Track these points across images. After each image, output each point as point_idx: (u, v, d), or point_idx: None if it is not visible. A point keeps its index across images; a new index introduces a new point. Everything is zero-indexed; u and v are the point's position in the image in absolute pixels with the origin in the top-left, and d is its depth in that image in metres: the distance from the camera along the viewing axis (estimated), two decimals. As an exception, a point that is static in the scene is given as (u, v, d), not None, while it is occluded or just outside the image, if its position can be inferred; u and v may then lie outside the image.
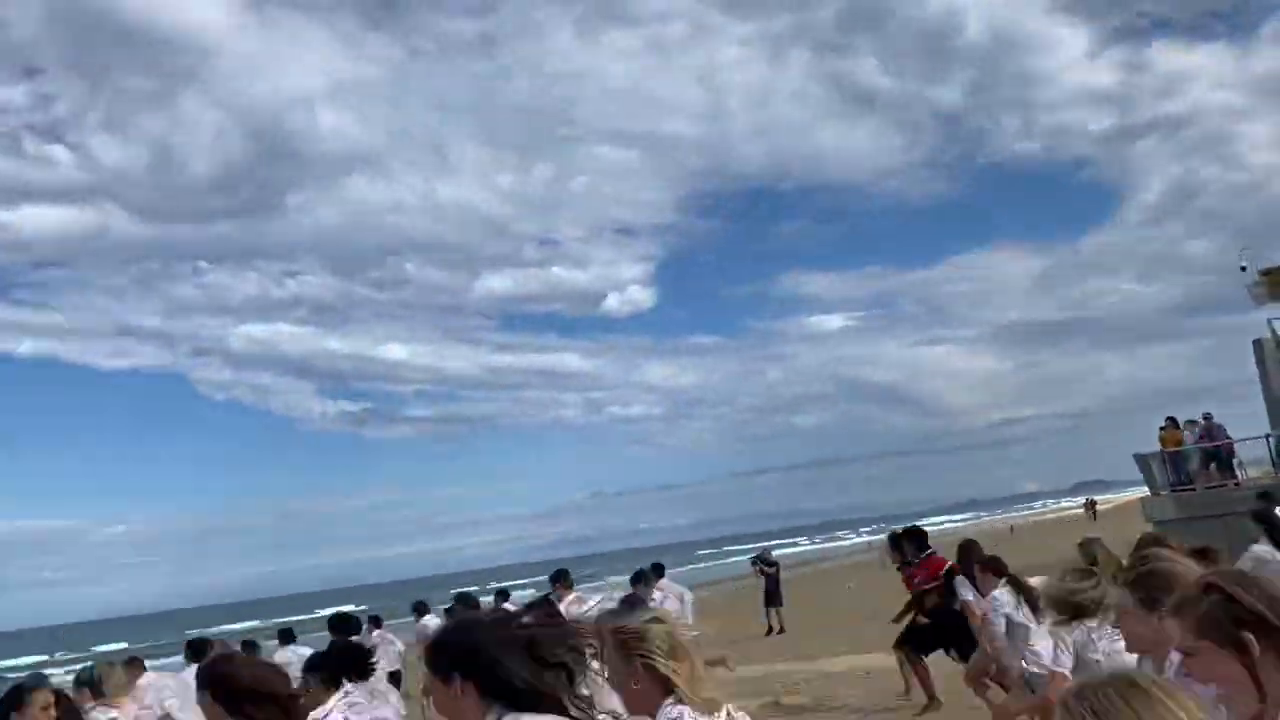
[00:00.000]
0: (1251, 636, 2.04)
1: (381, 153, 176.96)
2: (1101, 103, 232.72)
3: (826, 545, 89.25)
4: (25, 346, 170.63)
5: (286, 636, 12.03)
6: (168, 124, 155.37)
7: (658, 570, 12.70)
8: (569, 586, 10.41)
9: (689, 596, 12.68)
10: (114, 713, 6.92)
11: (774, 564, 21.40)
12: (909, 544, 9.94)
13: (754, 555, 22.61)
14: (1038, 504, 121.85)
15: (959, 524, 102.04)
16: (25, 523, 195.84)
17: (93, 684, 6.90)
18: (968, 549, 8.19)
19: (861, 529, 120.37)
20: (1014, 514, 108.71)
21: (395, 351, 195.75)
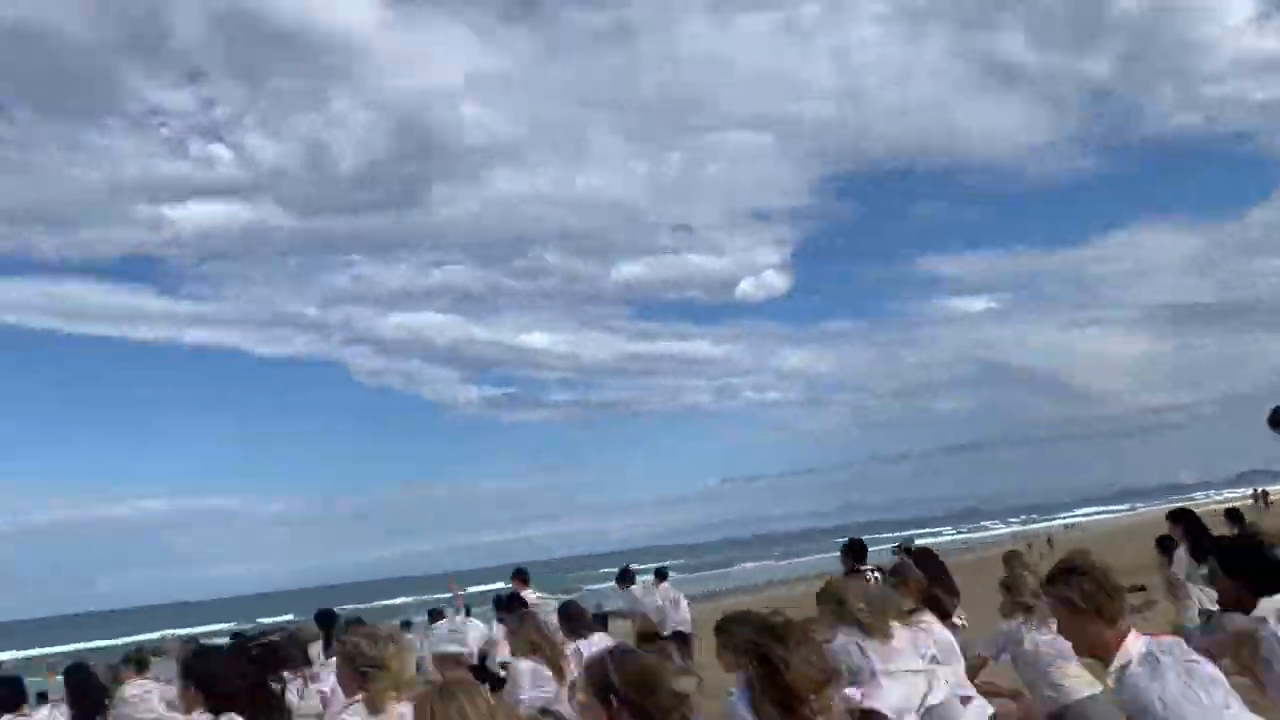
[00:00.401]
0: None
1: (521, 144, 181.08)
2: (1267, 71, 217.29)
3: (971, 535, 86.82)
4: (191, 336, 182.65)
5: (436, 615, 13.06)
6: (320, 122, 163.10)
7: (660, 575, 13.32)
8: (525, 583, 10.57)
9: (684, 601, 13.09)
10: None
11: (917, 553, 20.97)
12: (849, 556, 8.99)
13: (896, 544, 22.28)
14: (1198, 494, 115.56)
15: (1113, 515, 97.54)
16: (193, 501, 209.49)
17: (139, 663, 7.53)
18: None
19: (1009, 519, 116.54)
20: (1170, 505, 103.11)
21: (535, 339, 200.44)
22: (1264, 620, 3.63)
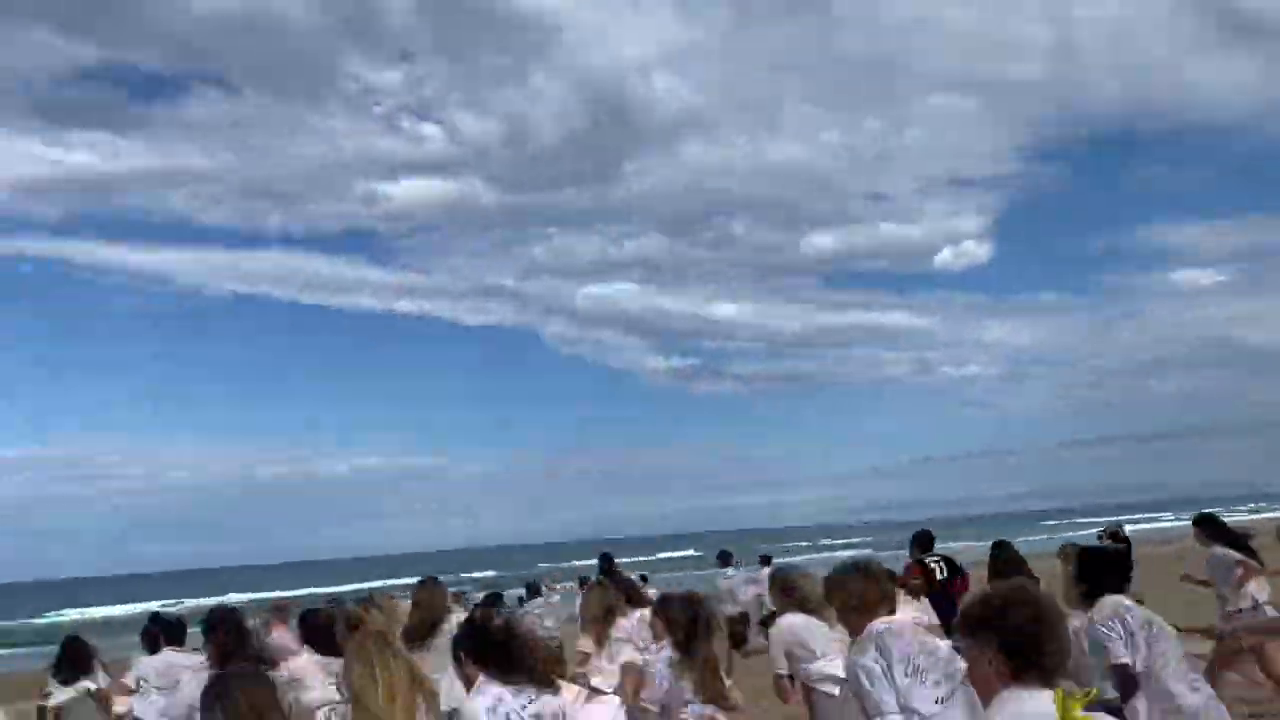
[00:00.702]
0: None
1: (712, 114, 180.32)
2: None
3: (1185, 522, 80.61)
4: (403, 305, 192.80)
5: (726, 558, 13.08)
6: (519, 98, 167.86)
7: (764, 560, 13.73)
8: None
9: (746, 588, 13.36)
10: None
11: (1125, 539, 19.80)
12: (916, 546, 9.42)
13: (1102, 529, 21.11)
14: None
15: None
16: (401, 460, 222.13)
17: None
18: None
19: (1234, 506, 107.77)
20: None
21: (724, 310, 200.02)
22: None
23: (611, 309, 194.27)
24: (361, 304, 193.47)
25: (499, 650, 3.63)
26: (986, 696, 2.57)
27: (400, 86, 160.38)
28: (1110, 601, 4.39)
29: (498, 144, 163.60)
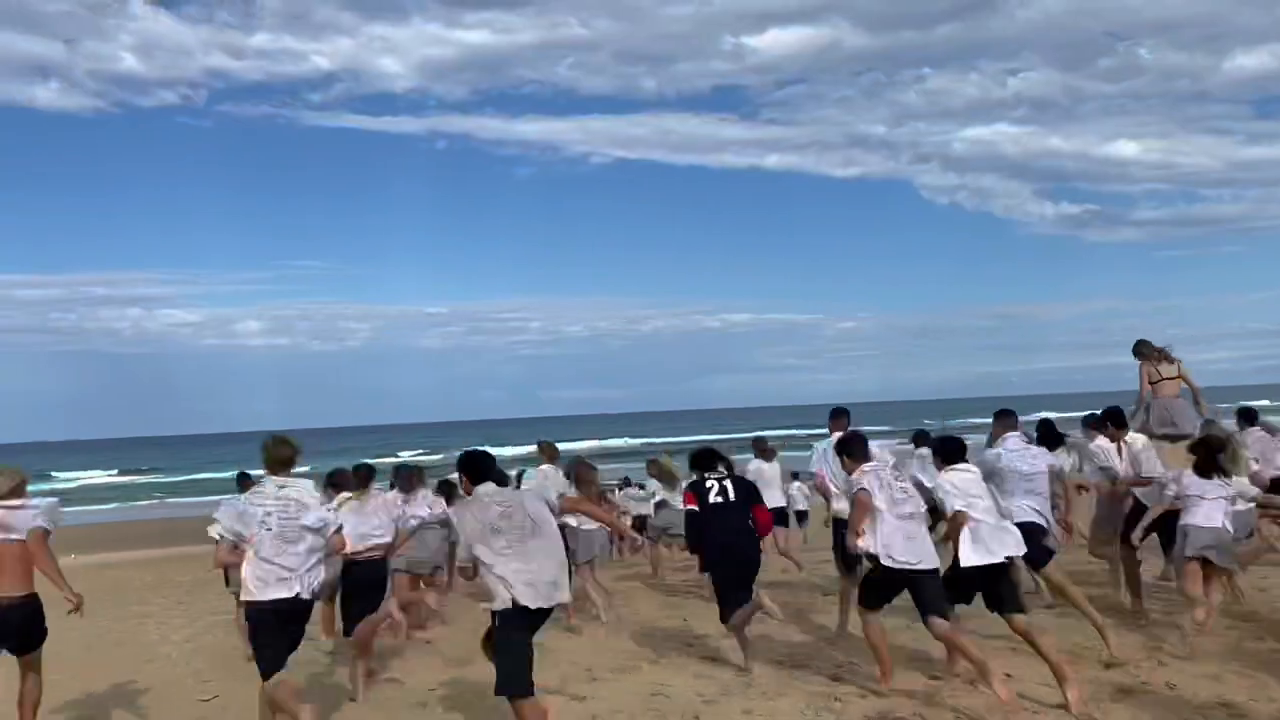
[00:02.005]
0: None
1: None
2: None
3: None
4: (771, 160, 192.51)
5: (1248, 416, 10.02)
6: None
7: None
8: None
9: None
10: None
11: None
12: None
13: None
14: None
15: None
16: (775, 316, 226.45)
17: None
18: None
19: None
20: None
21: (1123, 148, 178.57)
22: None
23: (992, 153, 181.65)
24: (730, 161, 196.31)
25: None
26: None
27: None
28: None
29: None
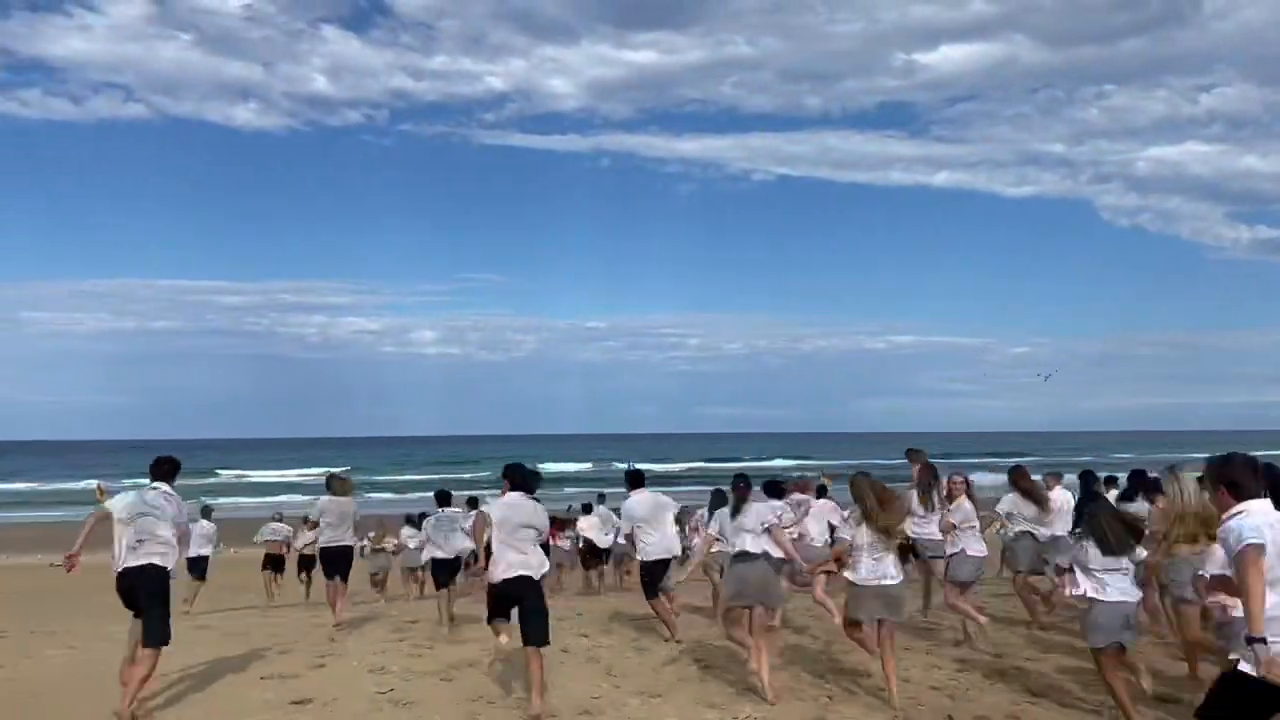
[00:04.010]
0: None
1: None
2: None
3: None
4: (940, 178, 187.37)
5: None
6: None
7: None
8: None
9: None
10: None
11: None
12: None
13: None
14: None
15: None
16: (940, 339, 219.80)
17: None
18: None
19: None
20: None
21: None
22: None
23: (1180, 173, 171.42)
24: (896, 179, 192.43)
25: None
26: None
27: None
28: None
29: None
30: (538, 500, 7.03)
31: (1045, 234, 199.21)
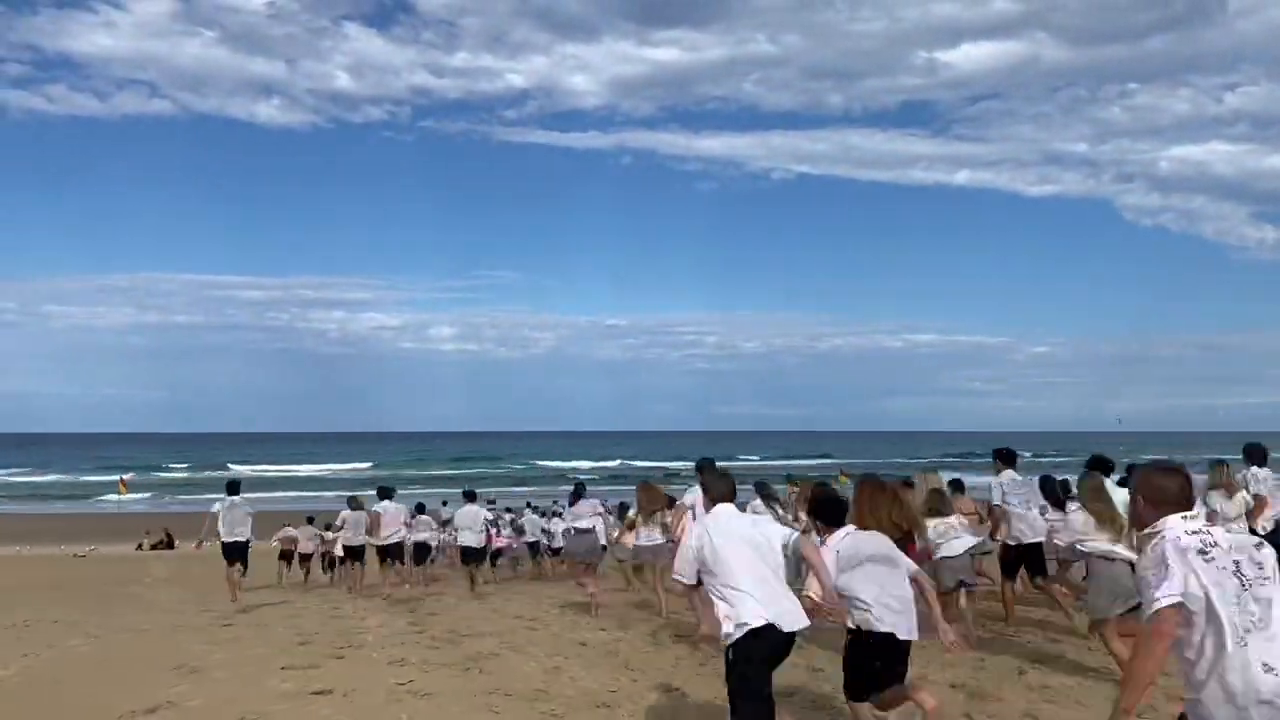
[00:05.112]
0: None
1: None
2: None
3: None
4: (961, 176, 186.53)
5: None
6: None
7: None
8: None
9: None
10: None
11: None
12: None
13: None
14: None
15: None
16: (961, 338, 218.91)
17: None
18: None
19: None
20: None
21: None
22: None
23: (1203, 172, 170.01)
24: (917, 178, 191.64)
25: None
26: None
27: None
28: None
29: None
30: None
31: (1067, 234, 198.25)
